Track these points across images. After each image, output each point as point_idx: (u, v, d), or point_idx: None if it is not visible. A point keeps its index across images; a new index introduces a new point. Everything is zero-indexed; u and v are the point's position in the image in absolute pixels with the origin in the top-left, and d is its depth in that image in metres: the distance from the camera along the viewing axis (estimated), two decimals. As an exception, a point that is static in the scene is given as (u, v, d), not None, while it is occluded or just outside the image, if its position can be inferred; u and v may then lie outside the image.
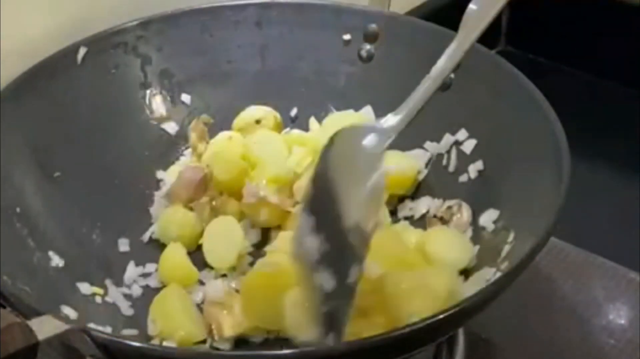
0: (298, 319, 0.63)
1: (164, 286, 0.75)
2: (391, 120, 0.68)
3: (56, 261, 0.72)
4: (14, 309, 0.59)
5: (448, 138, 0.80)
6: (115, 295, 0.74)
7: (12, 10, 0.78)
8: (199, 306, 0.73)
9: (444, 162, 0.81)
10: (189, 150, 0.85)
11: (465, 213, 0.76)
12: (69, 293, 0.71)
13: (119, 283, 0.75)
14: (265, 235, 0.79)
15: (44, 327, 0.53)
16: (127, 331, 0.71)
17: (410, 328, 0.57)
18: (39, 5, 0.82)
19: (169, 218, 0.79)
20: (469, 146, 0.79)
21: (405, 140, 0.82)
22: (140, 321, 0.72)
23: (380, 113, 0.85)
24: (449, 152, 0.80)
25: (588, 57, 1.18)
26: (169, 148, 0.85)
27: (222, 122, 0.86)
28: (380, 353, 0.57)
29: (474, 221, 0.75)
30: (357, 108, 0.85)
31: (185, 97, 0.86)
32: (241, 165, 0.80)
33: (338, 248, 0.62)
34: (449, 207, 0.76)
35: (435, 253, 0.72)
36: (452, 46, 0.70)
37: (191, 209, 0.79)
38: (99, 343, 0.55)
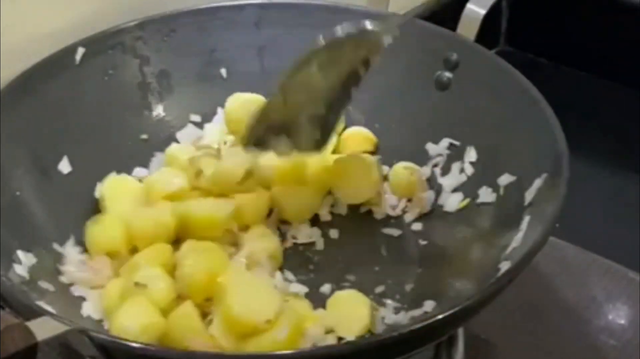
0: None
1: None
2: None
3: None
4: (14, 311, 0.59)
5: (447, 139, 0.80)
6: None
7: (12, 10, 0.78)
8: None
9: (443, 163, 0.81)
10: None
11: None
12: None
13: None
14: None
15: (43, 328, 0.53)
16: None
17: (410, 328, 0.57)
18: (39, 6, 0.82)
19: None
20: (467, 147, 0.79)
21: (405, 141, 0.83)
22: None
23: (378, 113, 0.85)
24: (448, 152, 0.80)
25: (588, 57, 1.18)
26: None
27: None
28: (380, 353, 0.57)
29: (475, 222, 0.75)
30: (356, 109, 0.85)
31: (184, 98, 0.86)
32: None
33: None
34: None
35: None
36: None
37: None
38: (97, 343, 0.55)
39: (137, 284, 0.67)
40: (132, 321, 0.65)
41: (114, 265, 0.72)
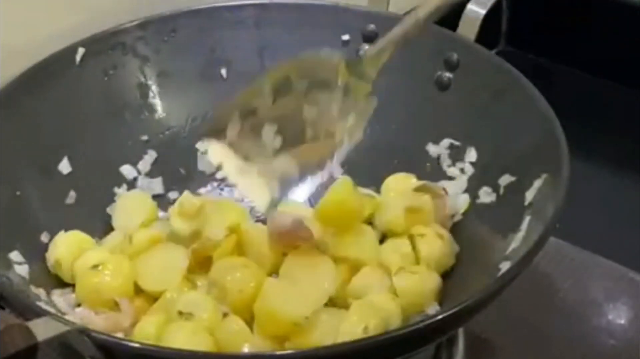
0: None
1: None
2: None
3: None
4: (14, 311, 0.59)
5: (447, 139, 0.80)
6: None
7: (13, 11, 0.79)
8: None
9: (443, 163, 0.81)
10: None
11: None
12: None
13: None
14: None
15: (44, 328, 0.53)
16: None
17: (410, 328, 0.57)
18: (39, 6, 0.82)
19: None
20: (468, 147, 0.79)
21: (405, 141, 0.83)
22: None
23: (378, 114, 0.85)
24: (448, 152, 0.80)
25: (588, 57, 1.18)
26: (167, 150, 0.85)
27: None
28: (380, 353, 0.57)
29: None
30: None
31: (184, 99, 0.86)
32: None
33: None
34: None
35: None
36: None
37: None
38: (97, 343, 0.55)
39: (180, 313, 0.66)
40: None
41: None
